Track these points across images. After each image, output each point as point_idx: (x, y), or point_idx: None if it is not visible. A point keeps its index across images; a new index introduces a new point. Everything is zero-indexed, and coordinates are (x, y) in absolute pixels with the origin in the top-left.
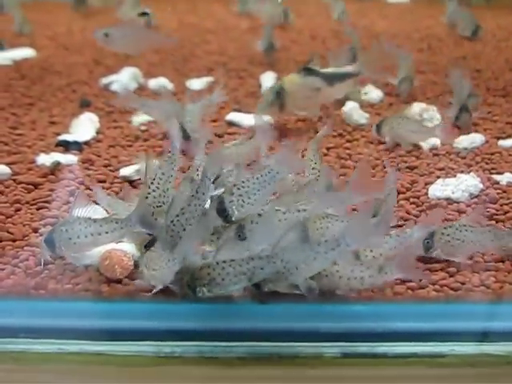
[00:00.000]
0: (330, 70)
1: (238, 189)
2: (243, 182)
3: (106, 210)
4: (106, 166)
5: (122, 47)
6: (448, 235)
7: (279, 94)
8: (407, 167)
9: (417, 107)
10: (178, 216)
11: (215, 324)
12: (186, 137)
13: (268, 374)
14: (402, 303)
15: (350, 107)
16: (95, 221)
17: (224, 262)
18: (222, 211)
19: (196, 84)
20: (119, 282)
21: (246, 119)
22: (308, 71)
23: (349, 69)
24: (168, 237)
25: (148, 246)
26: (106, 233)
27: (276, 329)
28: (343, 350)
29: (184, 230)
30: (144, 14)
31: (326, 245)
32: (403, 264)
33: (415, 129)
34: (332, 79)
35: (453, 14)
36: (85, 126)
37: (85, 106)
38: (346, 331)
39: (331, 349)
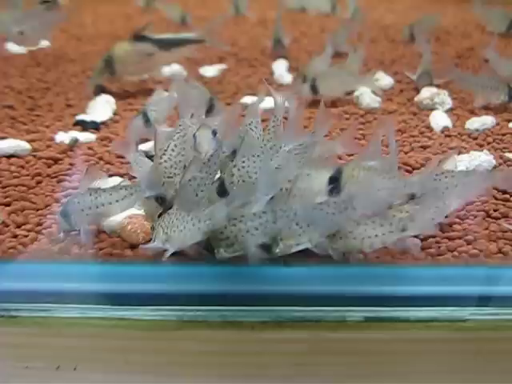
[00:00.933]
0: (166, 35)
1: (239, 169)
2: (243, 161)
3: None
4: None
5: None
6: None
7: (109, 60)
8: (420, 146)
9: (427, 92)
10: (190, 181)
11: (237, 287)
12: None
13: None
14: (423, 267)
15: (362, 91)
16: (105, 190)
17: (235, 218)
18: (223, 194)
19: (210, 71)
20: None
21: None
22: (139, 38)
23: (188, 35)
24: (183, 200)
25: (164, 210)
26: (117, 201)
27: (298, 292)
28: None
29: (196, 195)
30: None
31: (335, 206)
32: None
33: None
34: (167, 45)
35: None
36: (102, 107)
37: (100, 91)
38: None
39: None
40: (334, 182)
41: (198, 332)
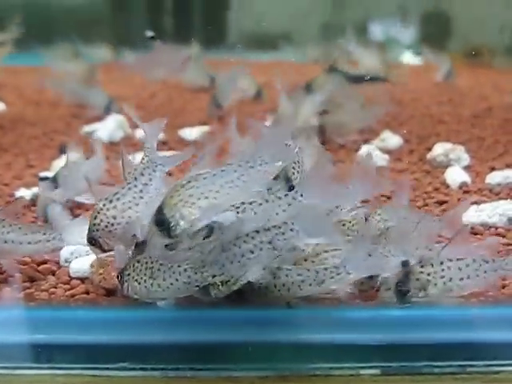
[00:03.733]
0: None
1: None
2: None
3: None
4: None
5: None
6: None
7: None
8: (436, 202)
9: (440, 148)
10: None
11: (232, 336)
12: None
13: None
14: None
15: (366, 150)
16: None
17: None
18: (161, 223)
19: (190, 134)
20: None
21: None
22: None
23: None
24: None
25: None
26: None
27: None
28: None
29: None
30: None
31: (326, 272)
32: None
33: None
34: None
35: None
36: None
37: (64, 152)
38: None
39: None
40: None
41: None
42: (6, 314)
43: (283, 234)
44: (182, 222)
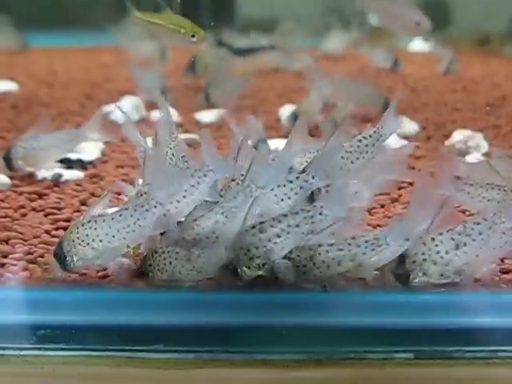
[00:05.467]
0: None
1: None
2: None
3: None
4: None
5: None
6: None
7: None
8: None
9: (459, 135)
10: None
11: (265, 319)
12: None
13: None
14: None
15: None
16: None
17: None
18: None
19: (206, 117)
20: None
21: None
22: None
23: None
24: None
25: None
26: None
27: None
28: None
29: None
30: None
31: (367, 245)
32: None
33: None
34: None
35: None
36: (89, 147)
37: None
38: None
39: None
40: None
41: (219, 371)
42: (38, 295)
43: (312, 217)
44: (75, 259)
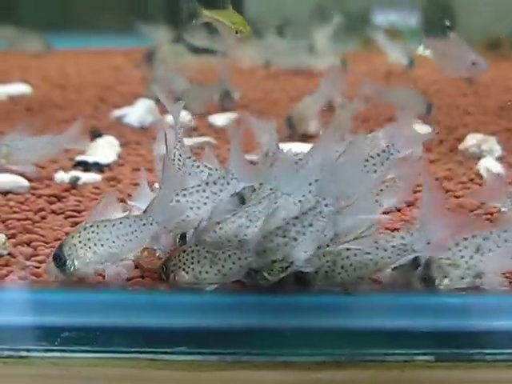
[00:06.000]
0: None
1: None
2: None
3: None
4: (134, 184)
5: None
6: None
7: None
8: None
9: (473, 139)
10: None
11: (288, 321)
12: None
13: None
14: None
15: None
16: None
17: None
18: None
19: (219, 120)
20: None
21: None
22: None
23: None
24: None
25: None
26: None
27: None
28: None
29: None
30: None
31: (394, 250)
32: None
33: None
34: None
35: None
36: (104, 150)
37: (96, 136)
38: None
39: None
40: None
41: (242, 373)
42: (62, 298)
43: (320, 212)
44: (76, 262)
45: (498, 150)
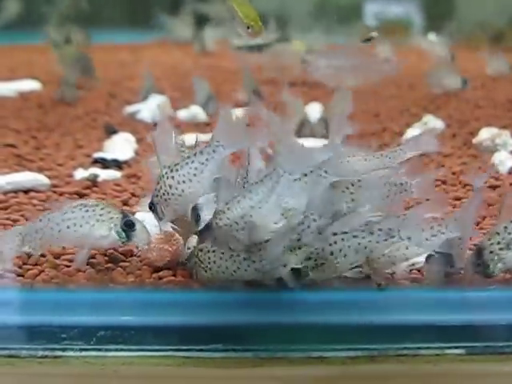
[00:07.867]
0: None
1: None
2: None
3: None
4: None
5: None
6: None
7: None
8: (488, 187)
9: (486, 133)
10: None
11: (322, 318)
12: None
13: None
14: None
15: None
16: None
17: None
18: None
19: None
20: None
21: None
22: None
23: None
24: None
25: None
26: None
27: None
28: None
29: None
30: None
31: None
32: None
33: None
34: None
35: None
36: (122, 146)
37: (111, 133)
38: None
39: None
40: None
41: (278, 370)
42: (96, 296)
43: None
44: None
45: (511, 144)
